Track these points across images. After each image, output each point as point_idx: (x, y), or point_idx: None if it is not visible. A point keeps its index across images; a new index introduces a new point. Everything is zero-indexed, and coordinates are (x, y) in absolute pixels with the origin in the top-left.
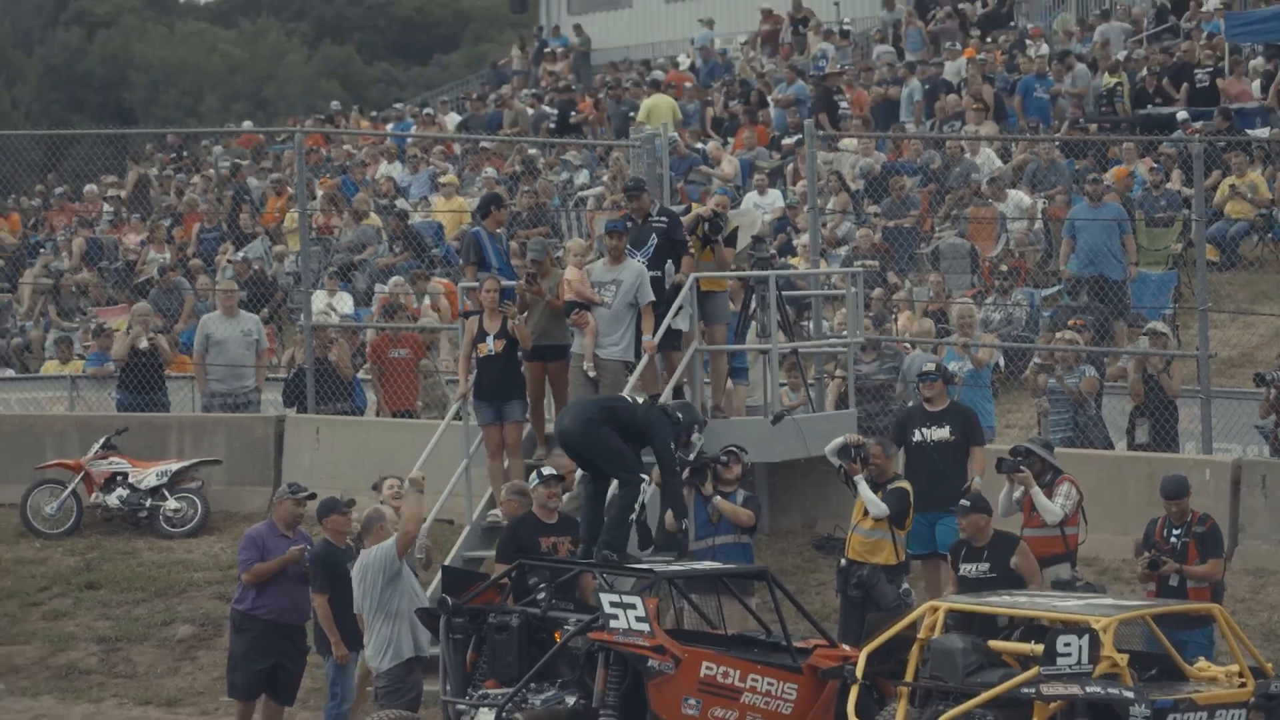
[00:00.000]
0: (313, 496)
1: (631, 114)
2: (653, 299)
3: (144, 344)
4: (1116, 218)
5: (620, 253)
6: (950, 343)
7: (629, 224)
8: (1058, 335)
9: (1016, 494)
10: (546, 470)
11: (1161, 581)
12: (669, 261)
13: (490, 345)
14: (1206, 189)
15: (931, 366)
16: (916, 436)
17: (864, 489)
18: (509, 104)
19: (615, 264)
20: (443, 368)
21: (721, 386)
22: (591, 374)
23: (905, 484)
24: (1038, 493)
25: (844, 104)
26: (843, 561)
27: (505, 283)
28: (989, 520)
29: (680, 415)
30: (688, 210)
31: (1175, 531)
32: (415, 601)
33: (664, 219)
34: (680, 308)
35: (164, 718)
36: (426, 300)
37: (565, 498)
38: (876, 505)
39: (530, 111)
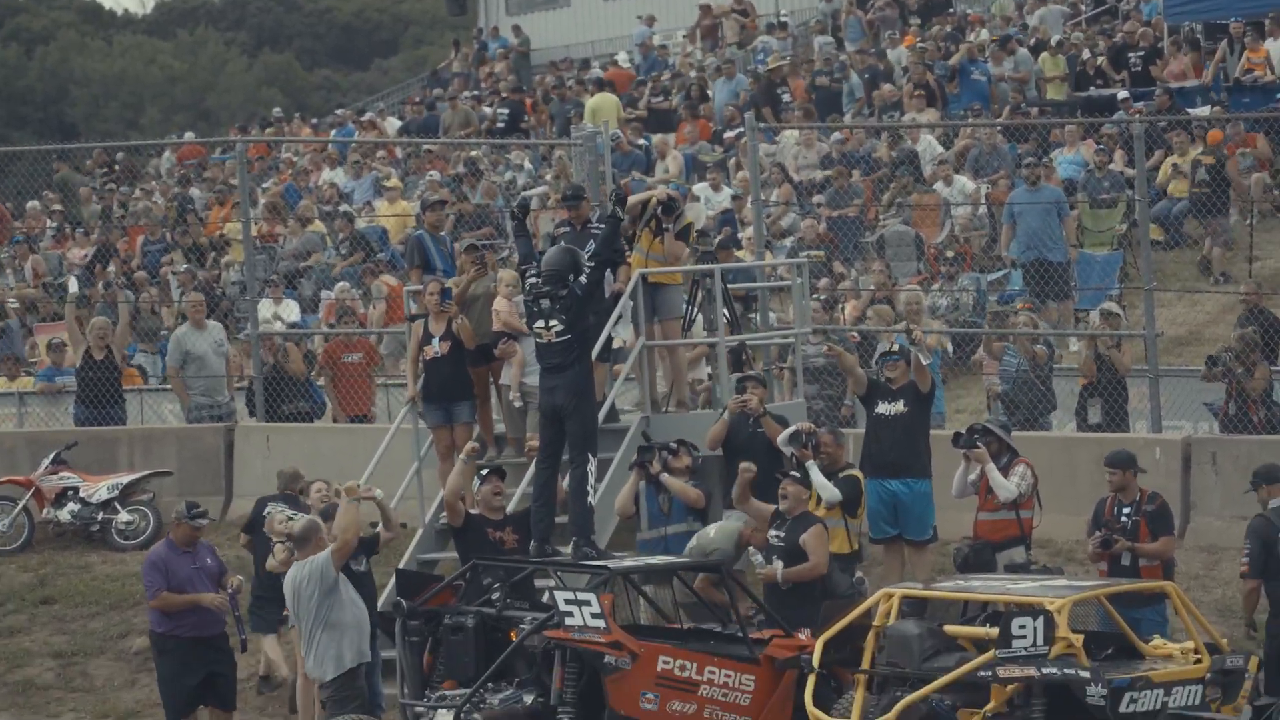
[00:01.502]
0: (204, 514)
1: (574, 112)
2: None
3: (99, 354)
4: (1055, 201)
5: (582, 217)
6: (899, 329)
7: (570, 229)
8: (1011, 319)
9: (972, 475)
10: (485, 471)
11: (1114, 560)
12: (607, 271)
13: (436, 348)
14: (1149, 169)
15: (895, 348)
16: (879, 408)
17: (816, 475)
18: (455, 105)
19: None
20: (387, 371)
21: (682, 381)
22: (518, 404)
23: (857, 472)
24: (993, 470)
25: (786, 96)
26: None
27: (447, 282)
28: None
29: None
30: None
31: (1126, 510)
32: (353, 609)
33: (602, 225)
34: (620, 317)
35: None
36: (376, 307)
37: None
38: (829, 490)
39: (487, 110)
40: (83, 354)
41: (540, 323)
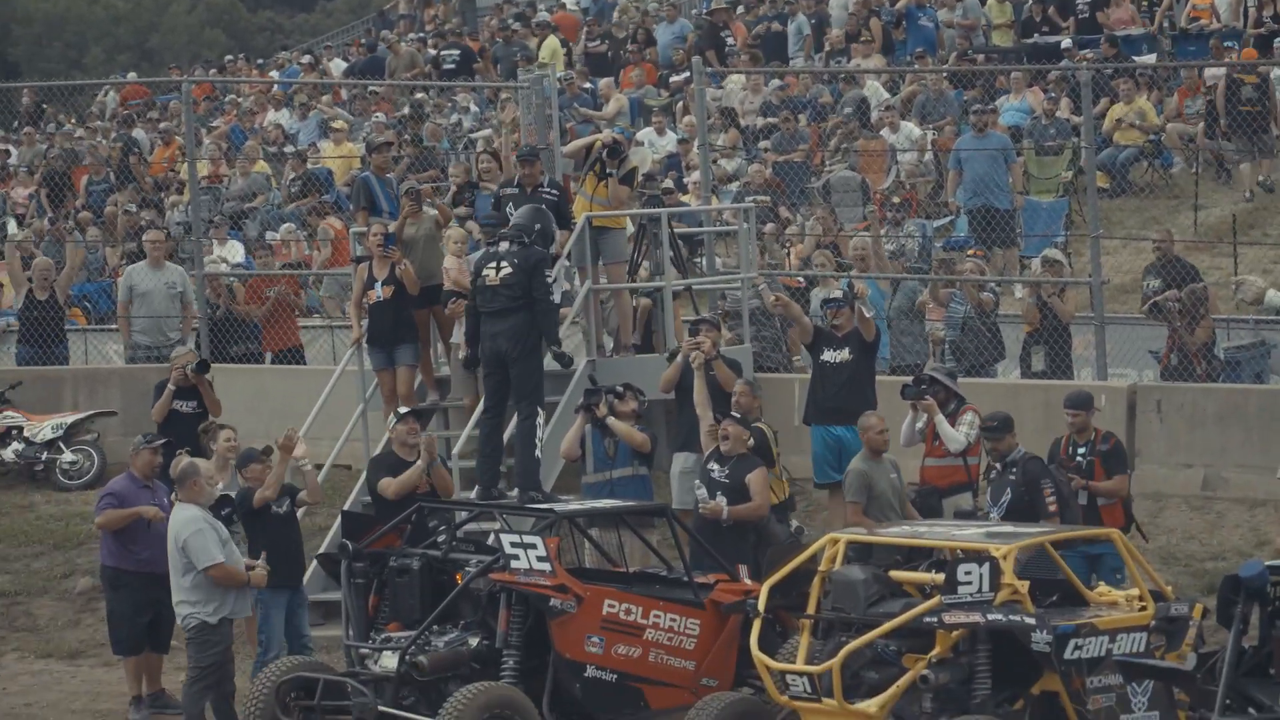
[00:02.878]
0: (167, 443)
1: (520, 55)
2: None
3: (43, 295)
4: (1001, 147)
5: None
6: (844, 275)
7: (518, 190)
8: (958, 266)
9: (920, 423)
10: (403, 409)
11: None
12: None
13: (379, 292)
14: (1095, 116)
15: (839, 294)
16: (824, 355)
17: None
18: (396, 49)
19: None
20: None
21: (628, 325)
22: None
23: (763, 425)
24: (941, 421)
25: (730, 40)
26: None
27: (390, 226)
28: None
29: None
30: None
31: (1081, 450)
32: (232, 558)
33: (554, 190)
34: (554, 280)
35: (66, 670)
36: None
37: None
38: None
39: (431, 53)
40: (25, 294)
41: (491, 265)
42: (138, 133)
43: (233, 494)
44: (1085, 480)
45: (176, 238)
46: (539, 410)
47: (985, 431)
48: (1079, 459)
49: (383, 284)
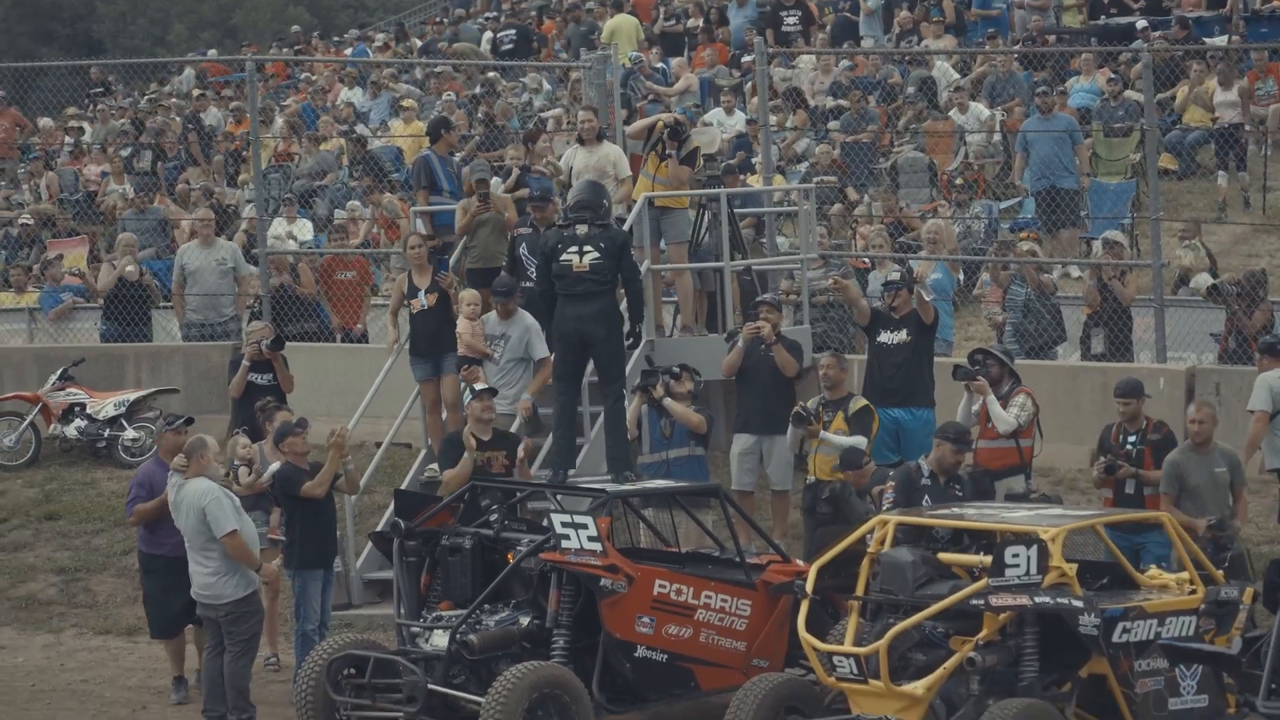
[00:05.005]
0: (190, 422)
1: (593, 35)
2: (545, 354)
3: (131, 274)
4: (1067, 129)
5: (508, 312)
6: (906, 256)
7: (532, 229)
8: (1015, 249)
9: (975, 405)
10: (479, 386)
11: (1118, 487)
12: None
13: (423, 300)
14: (1167, 97)
15: (896, 276)
16: (881, 337)
17: (831, 439)
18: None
19: (505, 319)
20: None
21: (689, 305)
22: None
23: (864, 401)
24: (992, 401)
25: (791, 20)
26: (809, 479)
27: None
28: None
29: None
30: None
31: (1131, 438)
32: (250, 532)
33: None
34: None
35: (123, 647)
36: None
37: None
38: (849, 444)
39: (488, 36)
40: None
41: (574, 248)
42: (212, 111)
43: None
44: (1135, 469)
45: (245, 216)
46: (624, 390)
47: (950, 442)
48: (1129, 447)
49: (426, 292)
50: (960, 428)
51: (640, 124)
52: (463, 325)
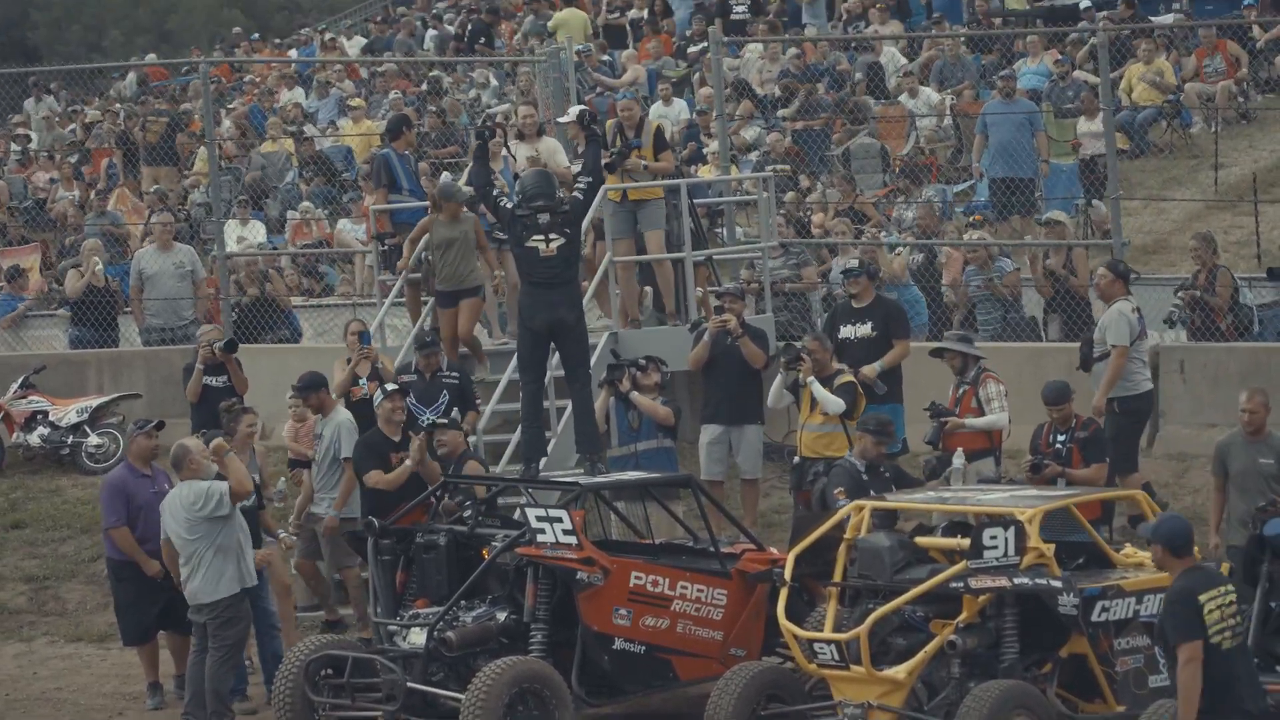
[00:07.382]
0: (160, 426)
1: (543, 29)
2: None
3: (101, 281)
4: (1028, 112)
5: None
6: (862, 243)
7: (418, 375)
8: (965, 235)
9: (960, 392)
10: (390, 386)
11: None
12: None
13: (364, 388)
14: (1114, 77)
15: (855, 263)
16: (843, 333)
17: (818, 389)
18: (402, 28)
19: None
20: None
21: (670, 293)
22: (292, 538)
23: (850, 376)
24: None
25: (740, 8)
26: (795, 459)
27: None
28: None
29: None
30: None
31: (1060, 437)
32: (241, 533)
33: (455, 374)
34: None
35: (96, 653)
36: (342, 224)
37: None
38: (834, 402)
39: (432, 32)
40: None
41: (539, 237)
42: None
43: (257, 477)
44: (1062, 468)
45: (197, 219)
46: (590, 376)
47: (871, 434)
48: (1058, 445)
49: (367, 380)
50: (881, 419)
51: (564, 119)
52: (289, 430)
